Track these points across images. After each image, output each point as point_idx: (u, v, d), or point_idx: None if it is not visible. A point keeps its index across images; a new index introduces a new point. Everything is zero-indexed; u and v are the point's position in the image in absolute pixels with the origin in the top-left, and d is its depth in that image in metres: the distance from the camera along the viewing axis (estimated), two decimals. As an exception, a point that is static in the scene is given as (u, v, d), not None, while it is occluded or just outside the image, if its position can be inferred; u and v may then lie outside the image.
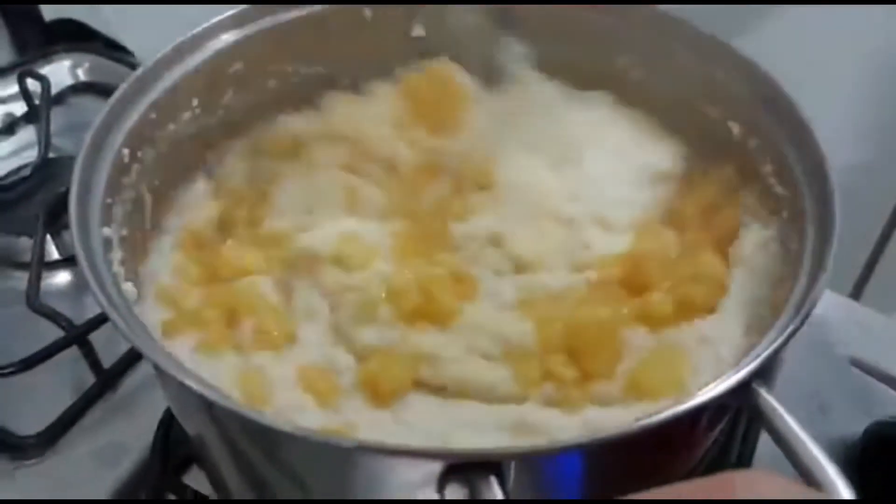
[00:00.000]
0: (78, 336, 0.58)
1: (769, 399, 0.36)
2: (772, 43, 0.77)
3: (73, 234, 0.40)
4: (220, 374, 0.44)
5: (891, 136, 0.85)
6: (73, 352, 0.58)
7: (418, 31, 0.58)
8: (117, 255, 0.44)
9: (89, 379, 0.59)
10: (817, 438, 0.34)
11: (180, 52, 0.51)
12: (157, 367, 0.40)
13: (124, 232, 0.45)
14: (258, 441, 0.39)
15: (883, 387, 0.60)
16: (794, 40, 0.80)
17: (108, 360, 0.59)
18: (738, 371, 0.35)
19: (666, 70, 0.55)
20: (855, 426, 0.56)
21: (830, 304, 0.65)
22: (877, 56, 0.82)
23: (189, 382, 0.36)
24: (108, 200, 0.44)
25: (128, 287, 0.43)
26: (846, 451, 0.55)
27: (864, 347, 0.62)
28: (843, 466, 0.33)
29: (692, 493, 0.26)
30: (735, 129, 0.52)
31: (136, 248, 0.47)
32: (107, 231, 0.43)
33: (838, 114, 0.81)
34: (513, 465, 0.33)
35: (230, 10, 0.54)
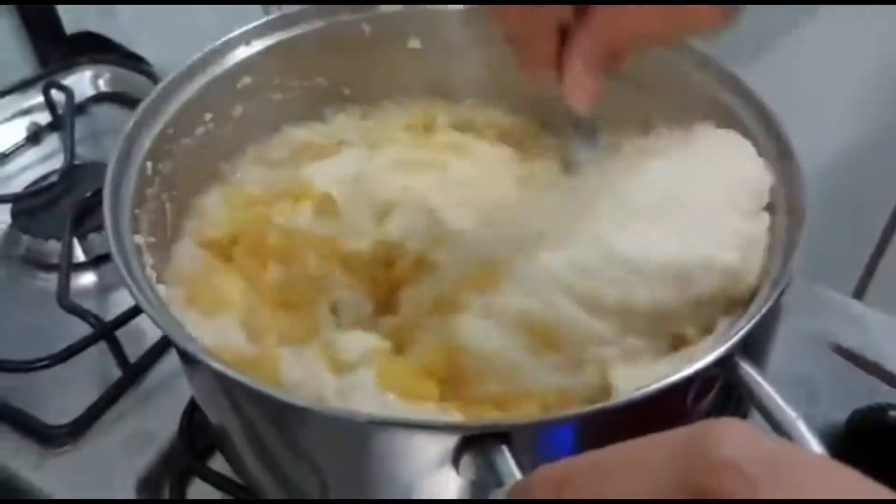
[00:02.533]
0: (106, 332, 0.61)
1: (751, 371, 0.38)
2: (774, 45, 0.79)
3: (111, 243, 0.43)
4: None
5: (892, 136, 0.86)
6: (100, 347, 0.61)
7: (414, 43, 0.60)
8: (149, 260, 0.46)
9: (115, 373, 0.61)
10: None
11: (193, 69, 0.54)
12: (188, 357, 0.43)
13: (151, 239, 0.48)
14: (275, 420, 0.41)
15: (869, 376, 0.62)
16: (796, 43, 0.82)
17: (132, 355, 0.62)
18: (721, 344, 0.38)
19: (644, 75, 0.57)
20: (840, 414, 0.58)
21: (827, 300, 0.67)
22: (879, 56, 0.83)
23: (218, 366, 0.38)
24: (137, 211, 0.47)
25: (161, 289, 0.46)
26: (831, 437, 0.57)
27: (856, 341, 0.63)
28: (828, 451, 0.36)
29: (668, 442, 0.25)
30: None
31: (162, 253, 0.50)
32: (137, 239, 0.46)
33: (840, 116, 0.82)
34: (521, 434, 0.35)
35: (241, 28, 0.56)
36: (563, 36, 0.44)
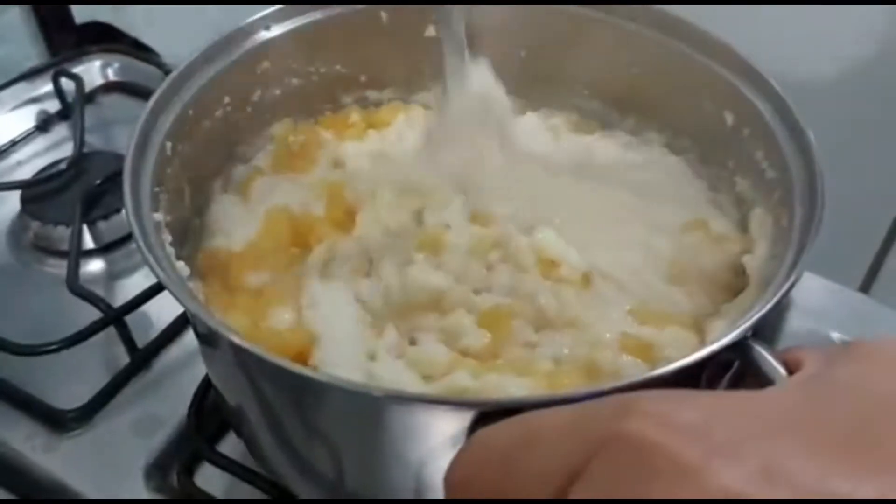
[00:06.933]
0: (115, 317, 0.61)
1: (764, 353, 0.37)
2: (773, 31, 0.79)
3: (130, 218, 0.43)
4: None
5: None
6: (108, 333, 0.61)
7: (431, 32, 0.61)
8: (167, 237, 0.46)
9: (124, 358, 0.61)
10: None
11: (214, 51, 0.54)
12: (208, 334, 0.44)
13: (169, 218, 0.48)
14: (293, 395, 0.41)
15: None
16: (795, 33, 0.82)
17: (140, 342, 0.62)
18: (737, 328, 0.38)
19: (665, 68, 0.58)
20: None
21: (833, 294, 0.67)
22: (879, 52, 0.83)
23: (238, 340, 0.38)
24: (156, 189, 0.47)
25: (180, 265, 0.46)
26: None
27: (863, 336, 0.63)
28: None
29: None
30: (729, 119, 0.54)
31: (180, 231, 0.50)
32: (157, 216, 0.46)
33: (842, 117, 0.82)
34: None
35: (258, 13, 0.56)
36: None
